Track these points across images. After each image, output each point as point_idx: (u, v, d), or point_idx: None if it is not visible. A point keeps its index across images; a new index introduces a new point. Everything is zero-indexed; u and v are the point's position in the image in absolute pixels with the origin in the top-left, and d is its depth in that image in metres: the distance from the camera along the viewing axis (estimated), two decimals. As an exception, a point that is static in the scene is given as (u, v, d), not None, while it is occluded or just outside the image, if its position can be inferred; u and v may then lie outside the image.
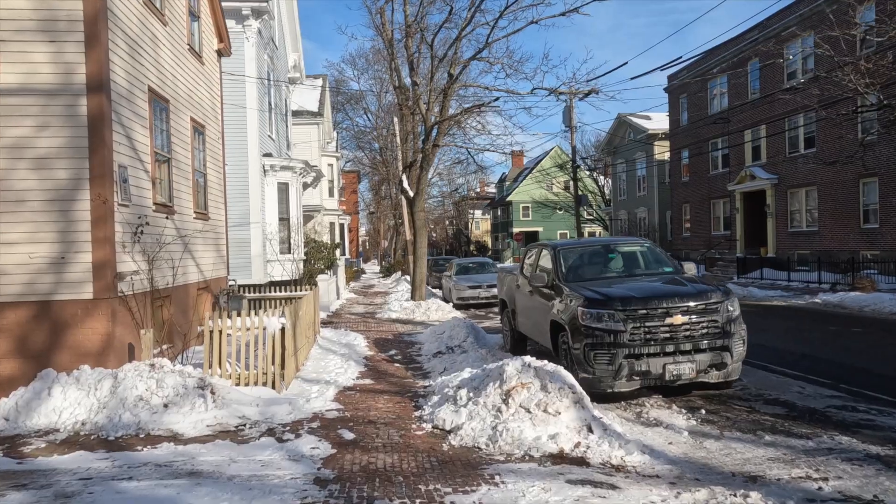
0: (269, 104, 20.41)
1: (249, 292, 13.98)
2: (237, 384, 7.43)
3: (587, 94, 39.95)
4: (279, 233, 19.08)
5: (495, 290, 19.64)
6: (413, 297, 19.45)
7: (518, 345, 10.80)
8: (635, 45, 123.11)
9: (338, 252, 32.69)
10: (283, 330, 7.58)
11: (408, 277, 32.83)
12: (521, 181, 78.13)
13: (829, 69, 22.51)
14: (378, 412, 7.25)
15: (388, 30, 19.51)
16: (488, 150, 21.06)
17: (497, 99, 17.28)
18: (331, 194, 33.28)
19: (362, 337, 13.29)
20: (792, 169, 26.95)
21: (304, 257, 20.99)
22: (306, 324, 10.10)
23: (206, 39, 13.50)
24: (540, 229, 77.57)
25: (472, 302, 20.00)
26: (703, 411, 6.92)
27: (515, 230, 77.38)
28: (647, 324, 6.98)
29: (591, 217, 62.74)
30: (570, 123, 40.16)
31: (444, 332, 12.39)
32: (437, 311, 17.77)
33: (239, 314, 7.70)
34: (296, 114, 30.40)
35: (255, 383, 7.50)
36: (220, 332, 7.37)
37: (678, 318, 6.99)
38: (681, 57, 18.26)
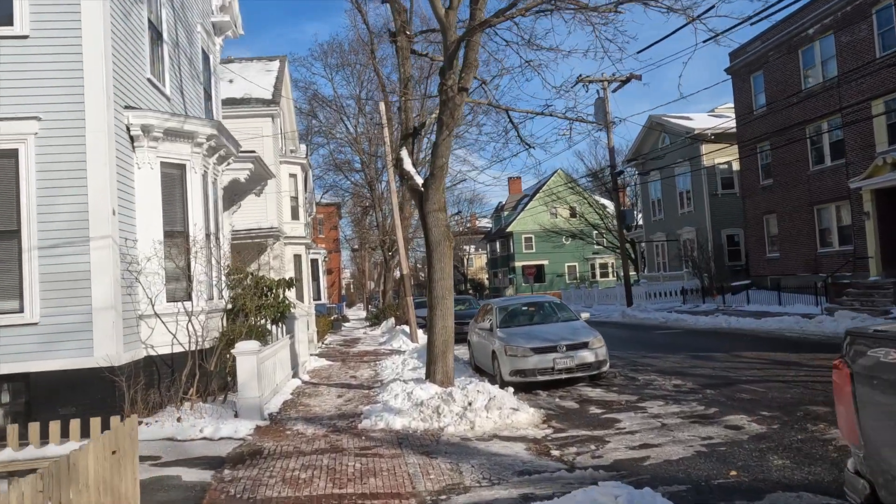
0: (158, 32, 11.30)
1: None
2: None
3: (626, 82, 31.51)
4: (164, 260, 9.73)
5: (586, 355, 10.40)
6: (431, 377, 10.06)
7: None
8: None
9: (306, 293, 23.25)
10: None
11: (405, 328, 23.39)
12: (522, 210, 69.46)
13: None
14: None
15: None
16: (543, 113, 11.92)
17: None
18: (294, 216, 24.00)
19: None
20: (972, 147, 18.22)
21: (230, 305, 11.61)
22: None
23: None
24: (545, 262, 68.83)
25: (540, 379, 10.62)
26: None
27: (518, 264, 68.33)
28: None
29: (612, 245, 53.90)
30: (606, 120, 31.47)
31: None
32: (488, 410, 8.40)
33: None
34: (240, 102, 21.44)
35: None
36: None
37: None
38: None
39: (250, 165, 13.74)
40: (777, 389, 9.16)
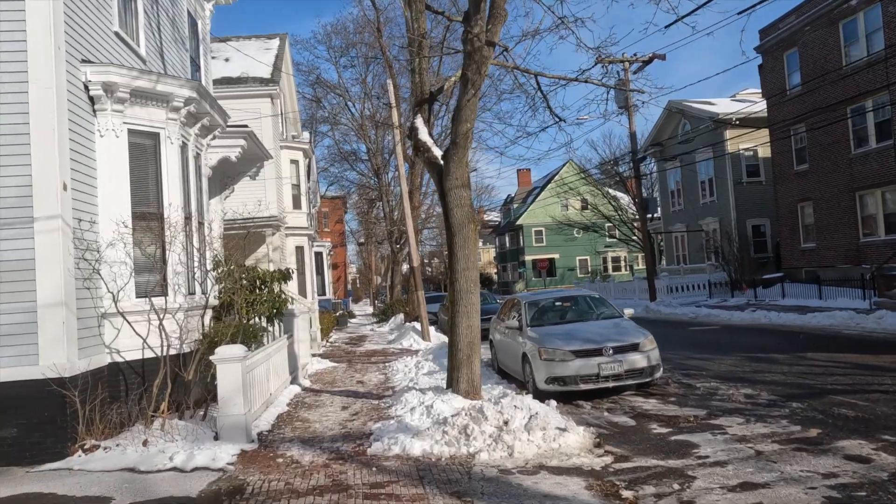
0: (129, -19, 9.61)
1: None
2: None
3: (648, 62, 29.60)
4: (133, 247, 8.07)
5: (637, 359, 8.72)
6: (454, 386, 8.39)
7: None
8: None
9: (309, 288, 21.60)
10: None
11: (416, 325, 21.72)
12: (532, 202, 67.62)
13: None
14: None
15: None
16: (577, 79, 10.15)
17: None
18: (296, 205, 22.33)
19: None
20: None
21: (216, 302, 9.97)
22: None
23: None
24: (556, 256, 66.99)
25: (582, 388, 8.95)
26: None
27: (528, 257, 66.56)
28: None
29: (625, 238, 51.97)
30: (627, 104, 29.64)
31: None
32: (529, 432, 6.72)
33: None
34: (237, 81, 19.82)
35: None
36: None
37: None
38: None
39: (242, 142, 12.06)
40: (884, 402, 7.43)
